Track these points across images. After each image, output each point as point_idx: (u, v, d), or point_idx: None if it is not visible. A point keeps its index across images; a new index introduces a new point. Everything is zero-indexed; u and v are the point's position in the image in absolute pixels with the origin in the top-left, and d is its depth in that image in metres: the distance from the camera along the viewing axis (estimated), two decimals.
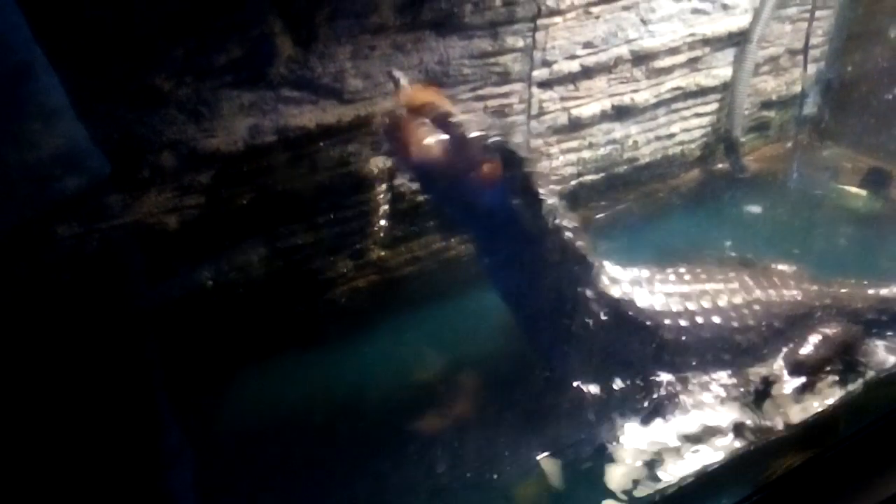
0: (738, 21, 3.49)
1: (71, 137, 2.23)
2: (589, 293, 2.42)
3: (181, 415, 2.47)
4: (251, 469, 2.28)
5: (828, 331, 2.67)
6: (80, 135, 2.24)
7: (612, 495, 2.12)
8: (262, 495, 2.20)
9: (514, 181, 2.29)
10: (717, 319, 2.52)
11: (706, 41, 3.45)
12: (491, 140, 2.27)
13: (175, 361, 2.56)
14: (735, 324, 2.53)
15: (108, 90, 2.24)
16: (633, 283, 2.52)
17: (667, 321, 2.47)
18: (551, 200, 2.36)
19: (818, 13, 3.75)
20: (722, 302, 2.55)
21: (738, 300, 2.57)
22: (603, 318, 2.44)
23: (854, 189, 3.76)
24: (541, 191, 2.33)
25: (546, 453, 2.28)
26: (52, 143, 2.21)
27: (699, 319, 2.50)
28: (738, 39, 3.54)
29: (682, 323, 2.48)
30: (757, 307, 2.58)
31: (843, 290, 2.79)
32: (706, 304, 2.53)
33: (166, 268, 2.56)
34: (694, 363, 2.52)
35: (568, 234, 2.38)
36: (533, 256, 2.38)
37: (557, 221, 2.36)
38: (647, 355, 2.49)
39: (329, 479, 2.21)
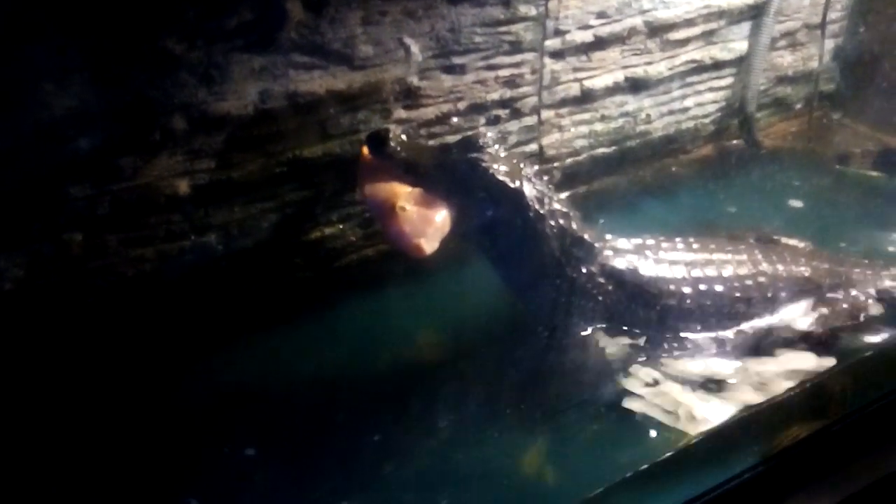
0: None
1: (84, 99, 2.24)
2: (594, 269, 2.48)
3: (192, 377, 2.51)
4: (258, 426, 2.32)
5: (836, 306, 2.66)
6: (93, 96, 2.26)
7: (611, 457, 2.14)
8: (270, 449, 2.24)
9: (478, 179, 2.39)
10: (720, 288, 2.55)
11: (722, 13, 3.41)
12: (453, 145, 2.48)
13: (185, 326, 2.60)
14: (738, 294, 2.57)
15: (121, 52, 2.25)
16: (636, 253, 2.56)
17: (670, 287, 2.52)
18: (531, 189, 2.41)
19: None
20: (727, 272, 2.58)
21: (743, 271, 2.60)
22: (609, 288, 2.50)
23: (867, 171, 3.72)
24: (510, 183, 2.39)
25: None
26: (65, 104, 2.22)
27: (702, 287, 2.54)
28: (754, 12, 3.50)
29: (685, 290, 2.53)
30: (763, 279, 2.61)
31: (854, 269, 2.78)
32: (711, 272, 2.56)
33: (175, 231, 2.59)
34: (697, 328, 2.54)
35: (562, 220, 2.44)
36: (530, 246, 2.44)
37: (547, 208, 2.40)
38: (651, 320, 2.53)
39: (333, 435, 2.25)
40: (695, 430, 2.23)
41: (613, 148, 3.44)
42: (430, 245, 2.29)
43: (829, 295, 2.69)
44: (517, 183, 2.41)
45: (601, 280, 2.48)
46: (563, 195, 2.56)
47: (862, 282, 2.75)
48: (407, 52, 2.71)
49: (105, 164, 2.37)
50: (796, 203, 3.49)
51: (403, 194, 2.38)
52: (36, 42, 2.13)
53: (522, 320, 2.52)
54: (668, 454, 2.10)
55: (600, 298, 2.49)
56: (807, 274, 2.69)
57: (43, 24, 2.12)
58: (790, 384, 2.34)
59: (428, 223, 2.32)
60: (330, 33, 2.54)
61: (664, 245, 2.61)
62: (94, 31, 2.19)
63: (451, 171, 2.42)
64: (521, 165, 2.49)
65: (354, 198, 2.86)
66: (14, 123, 2.19)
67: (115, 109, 2.31)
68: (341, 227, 2.92)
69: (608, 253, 2.51)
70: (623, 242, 2.58)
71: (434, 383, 2.38)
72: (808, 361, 2.48)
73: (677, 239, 2.66)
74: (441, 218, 2.35)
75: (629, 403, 2.28)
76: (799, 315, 2.62)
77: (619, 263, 2.51)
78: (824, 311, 2.64)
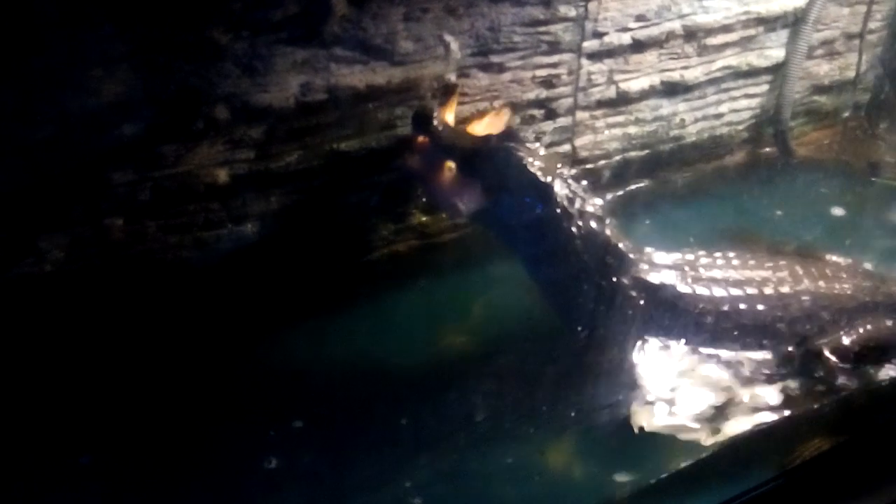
0: (794, 1, 3.42)
1: (130, 86, 2.28)
2: (626, 281, 2.44)
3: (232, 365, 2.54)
4: (295, 411, 2.34)
5: (876, 323, 2.62)
6: (138, 84, 2.29)
7: (641, 460, 2.14)
8: (309, 430, 2.28)
9: (511, 169, 2.42)
10: (761, 307, 2.50)
11: (760, 20, 3.39)
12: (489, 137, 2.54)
13: (216, 314, 2.63)
14: (779, 313, 2.52)
15: (168, 41, 2.28)
16: (674, 269, 2.52)
17: (707, 307, 2.47)
18: (562, 187, 2.41)
19: None
20: (768, 290, 2.52)
21: (785, 289, 2.54)
22: (641, 303, 2.45)
23: None
24: (541, 176, 2.40)
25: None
26: (111, 90, 2.26)
27: (742, 306, 2.49)
28: (793, 20, 3.47)
29: (724, 308, 2.48)
30: (805, 298, 2.55)
31: None
32: (751, 291, 2.51)
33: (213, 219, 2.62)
34: (736, 346, 2.51)
35: (594, 224, 2.41)
36: (556, 245, 2.43)
37: (577, 208, 2.40)
38: (686, 337, 2.50)
39: (370, 420, 2.27)
40: (722, 441, 2.22)
41: (646, 151, 3.43)
42: (466, 208, 2.47)
43: (872, 313, 2.63)
44: (548, 178, 2.42)
45: (633, 293, 2.44)
46: (599, 200, 2.54)
47: None
48: (446, 50, 2.72)
49: (147, 151, 2.40)
50: (827, 212, 3.46)
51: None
52: (85, 30, 2.16)
53: (559, 322, 2.52)
54: (690, 464, 2.10)
55: (630, 312, 2.45)
56: (849, 291, 2.62)
57: (92, 13, 2.16)
58: (823, 402, 2.33)
59: (468, 188, 2.49)
60: (372, 28, 2.56)
61: (703, 261, 2.56)
62: (142, 20, 2.22)
63: (488, 158, 2.46)
64: (558, 165, 2.50)
65: (388, 192, 2.89)
66: (61, 108, 2.23)
67: (160, 98, 2.34)
68: (374, 221, 2.94)
69: (644, 266, 2.47)
70: (661, 256, 2.54)
71: (469, 379, 2.40)
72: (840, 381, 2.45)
73: (717, 254, 2.61)
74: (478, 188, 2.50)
75: (661, 409, 2.29)
76: (840, 334, 2.57)
77: (654, 278, 2.46)
78: (866, 329, 2.58)
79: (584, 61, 3.05)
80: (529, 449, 2.17)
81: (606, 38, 3.05)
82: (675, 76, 3.30)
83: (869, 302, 2.64)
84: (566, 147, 3.21)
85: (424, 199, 2.92)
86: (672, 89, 3.33)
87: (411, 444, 2.19)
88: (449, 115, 2.73)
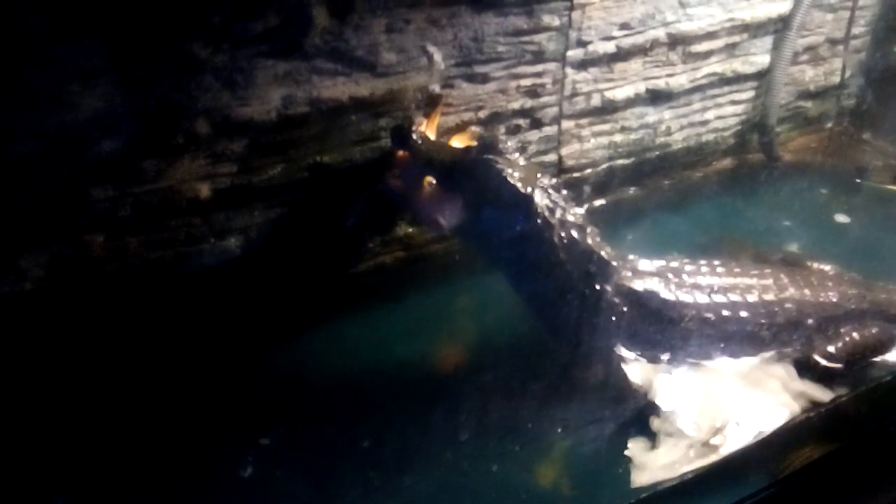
0: (778, 7, 3.43)
1: (109, 101, 2.25)
2: (608, 288, 2.44)
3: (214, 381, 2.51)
4: (277, 427, 2.33)
5: (863, 331, 2.62)
6: (117, 99, 2.27)
7: (629, 475, 2.12)
8: (291, 448, 2.26)
9: (491, 180, 2.42)
10: (744, 314, 2.50)
11: (745, 27, 3.40)
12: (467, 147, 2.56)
13: (204, 330, 2.60)
14: (763, 320, 2.51)
15: (146, 55, 2.26)
16: (657, 275, 2.52)
17: (691, 313, 2.46)
18: (542, 198, 2.41)
19: (861, 2, 3.67)
20: (752, 297, 2.52)
21: (769, 297, 2.54)
22: (623, 309, 2.45)
23: (886, 185, 3.70)
24: (521, 188, 2.40)
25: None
26: (90, 105, 2.23)
27: (725, 313, 2.48)
28: (777, 26, 3.49)
29: (708, 315, 2.47)
30: (789, 305, 2.55)
31: (882, 295, 2.73)
32: (735, 298, 2.51)
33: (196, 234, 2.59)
34: (721, 354, 2.50)
35: (575, 233, 2.41)
36: (538, 255, 2.42)
37: (558, 218, 2.39)
38: (670, 345, 2.49)
39: (354, 437, 2.25)
40: (711, 452, 2.21)
41: (633, 159, 3.43)
42: (448, 222, 2.48)
43: (856, 320, 2.62)
44: (528, 189, 2.41)
45: (616, 300, 2.44)
46: (581, 209, 2.54)
47: (889, 307, 2.70)
48: (430, 61, 2.71)
49: (128, 166, 2.37)
50: (814, 217, 3.47)
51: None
52: (63, 44, 2.13)
53: (545, 334, 2.51)
54: (679, 477, 2.09)
55: (613, 319, 2.45)
56: (834, 299, 2.62)
57: (70, 27, 2.13)
58: (812, 411, 2.32)
59: (448, 202, 2.50)
60: (354, 40, 2.54)
61: (687, 268, 2.56)
62: (121, 34, 2.19)
63: (467, 170, 2.46)
64: (538, 175, 2.49)
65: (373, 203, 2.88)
66: (39, 124, 2.20)
67: (140, 112, 2.31)
68: (359, 233, 2.91)
69: (627, 273, 2.48)
70: (644, 263, 2.54)
71: (455, 394, 2.38)
72: (828, 389, 2.44)
73: (701, 261, 2.61)
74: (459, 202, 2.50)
75: (649, 422, 2.27)
76: (825, 341, 2.56)
77: (637, 285, 2.46)
78: (851, 337, 2.58)
79: (569, 70, 3.05)
80: (516, 466, 2.14)
81: (591, 47, 3.04)
82: (660, 84, 3.30)
83: (855, 309, 2.63)
84: (552, 156, 3.21)
85: (406, 215, 2.90)
86: (657, 97, 3.33)
87: (396, 461, 2.17)
88: (432, 127, 2.72)
